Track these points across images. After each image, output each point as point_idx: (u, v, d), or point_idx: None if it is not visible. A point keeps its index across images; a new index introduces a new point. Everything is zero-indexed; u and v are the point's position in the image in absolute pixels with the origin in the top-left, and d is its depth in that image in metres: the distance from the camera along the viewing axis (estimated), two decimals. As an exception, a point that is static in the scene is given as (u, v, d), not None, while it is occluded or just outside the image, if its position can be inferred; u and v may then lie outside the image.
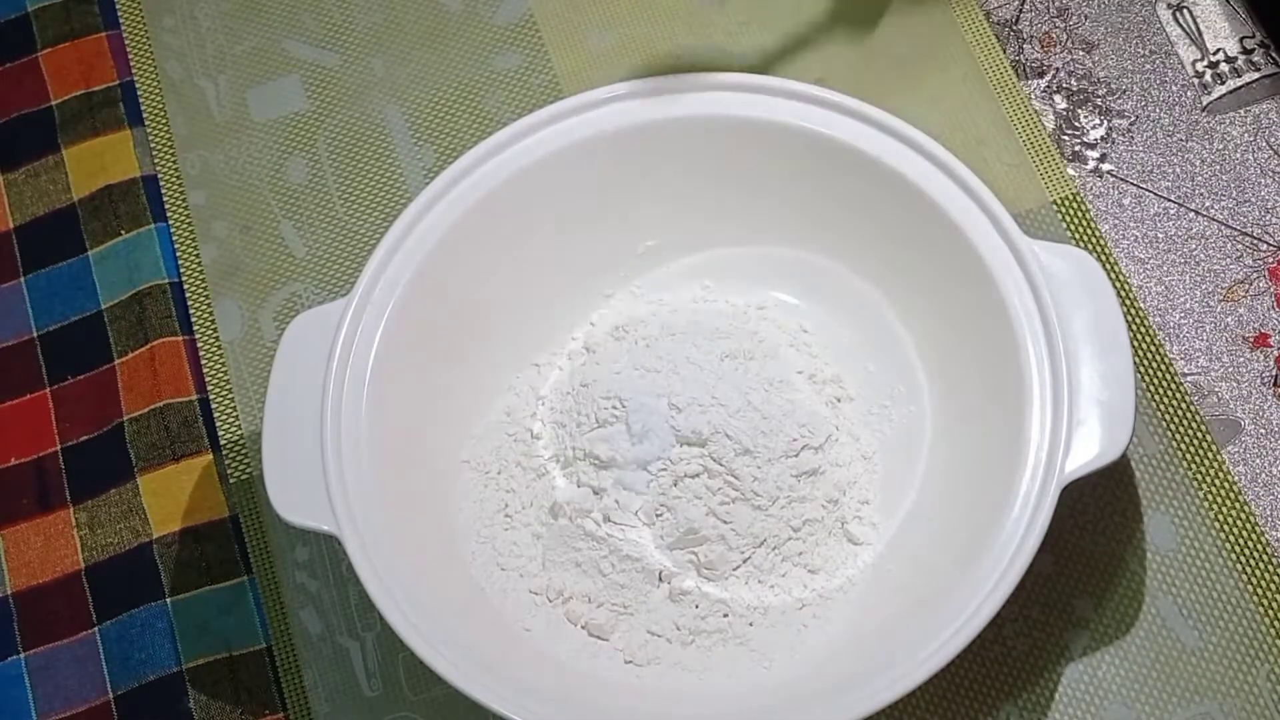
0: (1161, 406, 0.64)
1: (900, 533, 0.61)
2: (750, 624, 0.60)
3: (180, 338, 0.70)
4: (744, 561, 0.60)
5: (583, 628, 0.60)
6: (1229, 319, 0.66)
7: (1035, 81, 0.71)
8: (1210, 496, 0.63)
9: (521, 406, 0.65)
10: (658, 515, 0.60)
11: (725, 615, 0.60)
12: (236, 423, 0.68)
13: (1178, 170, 0.69)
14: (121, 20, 0.78)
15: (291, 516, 0.55)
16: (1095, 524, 0.62)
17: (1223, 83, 0.70)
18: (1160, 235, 0.68)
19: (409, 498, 0.58)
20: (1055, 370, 0.55)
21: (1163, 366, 0.65)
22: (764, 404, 0.61)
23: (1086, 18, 0.72)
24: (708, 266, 0.67)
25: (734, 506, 0.60)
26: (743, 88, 0.62)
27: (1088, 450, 0.54)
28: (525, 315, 0.65)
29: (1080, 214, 0.68)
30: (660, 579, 0.60)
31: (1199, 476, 0.63)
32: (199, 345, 0.70)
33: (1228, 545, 0.62)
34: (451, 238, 0.61)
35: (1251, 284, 0.67)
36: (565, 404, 0.64)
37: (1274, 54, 0.70)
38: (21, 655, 0.64)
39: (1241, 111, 0.70)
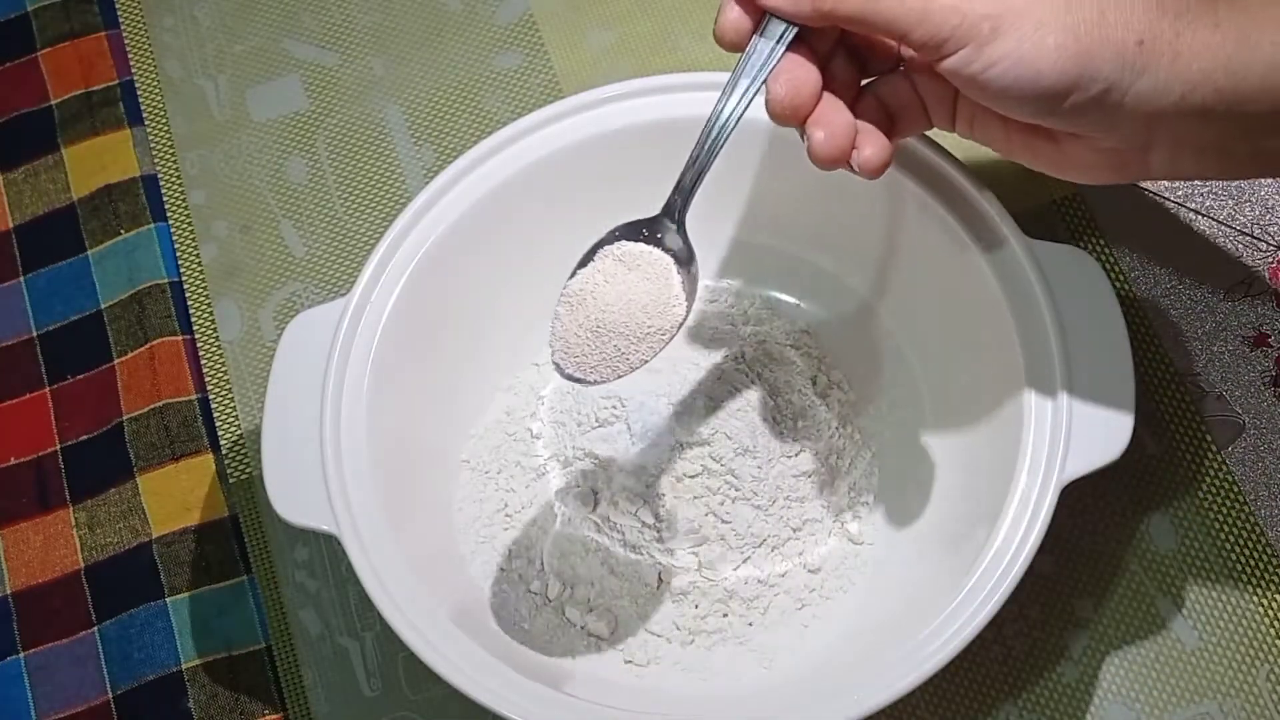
0: (1161, 406, 0.64)
1: (900, 533, 0.61)
2: (750, 624, 0.60)
3: (180, 337, 0.70)
4: (744, 561, 0.60)
5: (583, 628, 0.60)
6: (1229, 319, 0.66)
7: (1035, 81, 0.71)
8: (1210, 496, 0.63)
9: (521, 406, 0.65)
10: (658, 515, 0.60)
11: (725, 615, 0.60)
12: (236, 423, 0.68)
13: (1178, 170, 0.69)
14: (121, 20, 0.78)
15: (291, 516, 0.55)
16: (1095, 524, 0.62)
17: (1223, 83, 0.70)
18: (1160, 235, 0.68)
19: (409, 498, 0.58)
20: (1055, 370, 0.55)
21: (1163, 366, 0.65)
22: (764, 404, 0.61)
23: (1086, 18, 0.72)
24: (708, 266, 0.67)
25: (734, 506, 0.60)
26: (743, 87, 0.62)
27: (1088, 450, 0.54)
28: (525, 315, 0.65)
29: (1080, 214, 0.68)
30: (660, 579, 0.60)
31: (1199, 476, 0.63)
32: (199, 345, 0.70)
33: (1228, 545, 0.62)
34: (451, 237, 0.60)
35: (1251, 284, 0.67)
36: (565, 404, 0.64)
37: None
38: (21, 655, 0.64)
39: (1241, 111, 0.69)
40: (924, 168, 0.59)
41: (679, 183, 0.52)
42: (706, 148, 0.51)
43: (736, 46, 0.49)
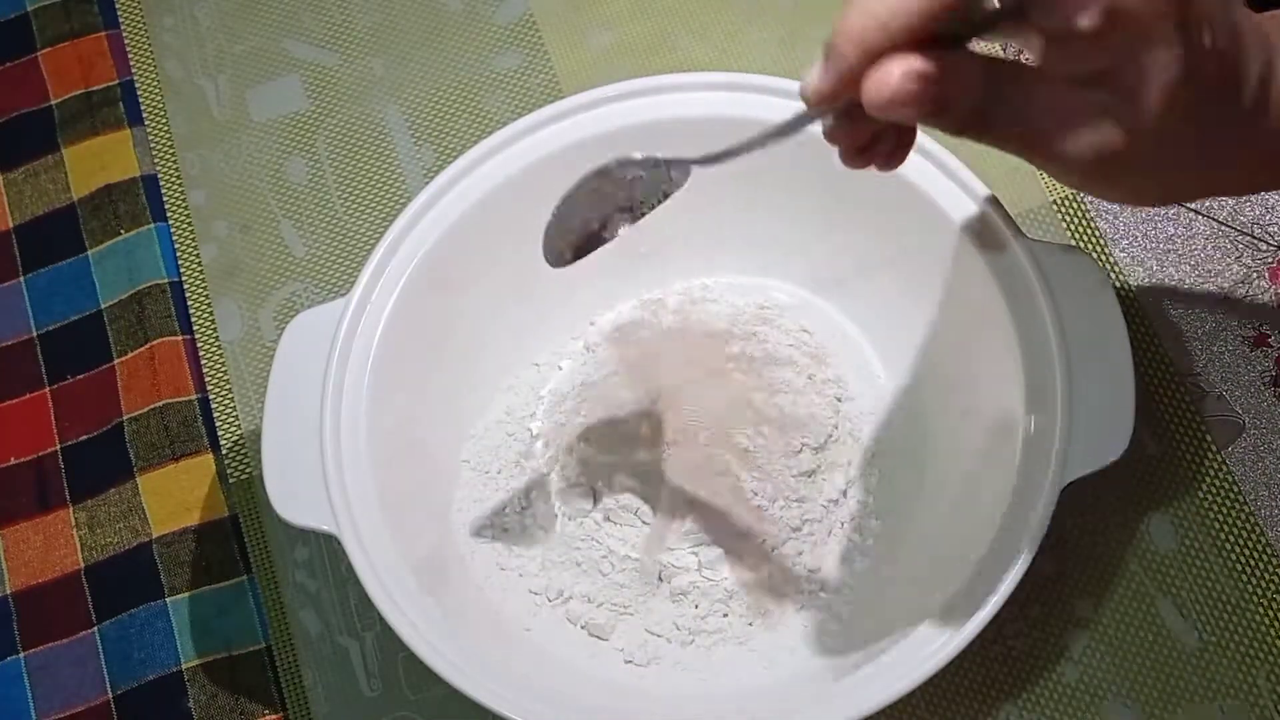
0: (1161, 406, 0.64)
1: (900, 533, 0.61)
2: (750, 624, 0.60)
3: (180, 337, 0.70)
4: (744, 561, 0.60)
5: (583, 628, 0.60)
6: (1229, 319, 0.66)
7: (1035, 81, 0.71)
8: (1210, 496, 0.63)
9: (521, 406, 0.65)
10: (658, 515, 0.60)
11: (725, 615, 0.60)
12: (236, 423, 0.68)
13: (1178, 170, 0.69)
14: (121, 20, 0.78)
15: (291, 516, 0.55)
16: (1095, 524, 0.62)
17: (1223, 83, 0.70)
18: (1160, 235, 0.68)
19: (409, 498, 0.58)
20: (1055, 370, 0.55)
21: (1163, 366, 0.65)
22: (764, 404, 0.61)
23: (1086, 18, 0.72)
24: (708, 266, 0.67)
25: (734, 506, 0.60)
26: (742, 87, 0.62)
27: (1088, 450, 0.54)
28: (525, 315, 0.65)
29: (1080, 214, 0.68)
30: (660, 579, 0.60)
31: (1199, 476, 0.63)
32: (199, 345, 0.70)
33: (1228, 545, 0.62)
34: (451, 237, 0.61)
35: (1251, 284, 0.67)
36: (565, 404, 0.64)
37: (1274, 54, 0.70)
38: (21, 655, 0.64)
39: (1241, 111, 0.69)
40: (924, 168, 0.59)
41: (717, 154, 0.50)
42: (758, 145, 0.49)
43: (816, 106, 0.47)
